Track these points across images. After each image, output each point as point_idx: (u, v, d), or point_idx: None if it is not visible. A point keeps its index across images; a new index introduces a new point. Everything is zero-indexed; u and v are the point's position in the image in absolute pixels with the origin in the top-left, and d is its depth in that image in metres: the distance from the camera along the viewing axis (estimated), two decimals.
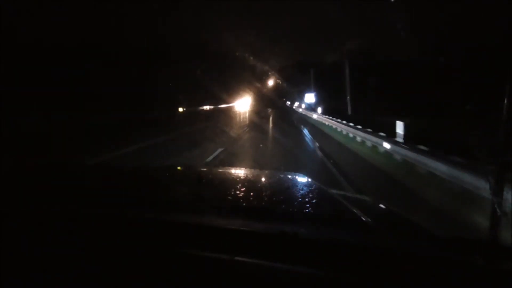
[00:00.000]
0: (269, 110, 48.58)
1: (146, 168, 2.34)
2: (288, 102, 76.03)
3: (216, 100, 41.21)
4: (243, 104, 49.71)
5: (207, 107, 40.31)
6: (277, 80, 52.85)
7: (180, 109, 30.50)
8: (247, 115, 34.19)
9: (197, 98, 34.56)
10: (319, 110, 25.68)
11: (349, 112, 24.32)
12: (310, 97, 39.64)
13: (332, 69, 32.99)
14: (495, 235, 2.65)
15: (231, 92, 43.48)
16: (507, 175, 2.52)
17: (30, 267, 0.86)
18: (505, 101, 2.64)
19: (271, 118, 29.41)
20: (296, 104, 61.13)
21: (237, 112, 39.97)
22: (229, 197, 1.49)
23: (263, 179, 2.24)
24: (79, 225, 1.01)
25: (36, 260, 0.88)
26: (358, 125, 13.04)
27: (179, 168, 2.52)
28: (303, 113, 38.82)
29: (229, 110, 42.27)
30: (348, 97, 25.95)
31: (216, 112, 36.79)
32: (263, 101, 55.49)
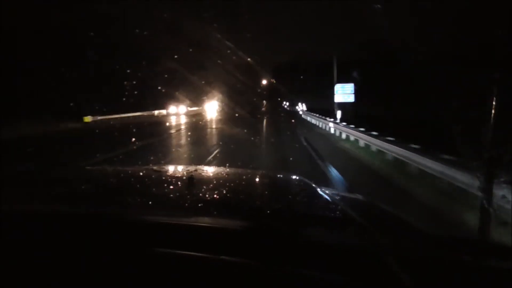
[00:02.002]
0: (263, 109, 35.84)
1: (135, 169, 2.32)
2: (287, 103, 58.77)
3: (177, 103, 31.00)
4: (210, 109, 35.66)
5: (163, 112, 29.07)
6: (271, 80, 46.86)
7: (88, 119, 20.02)
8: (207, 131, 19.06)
9: (146, 99, 23.13)
10: None
11: None
12: (345, 92, 20.13)
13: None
14: (484, 232, 2.67)
15: (198, 92, 32.08)
16: (495, 172, 2.54)
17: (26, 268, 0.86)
18: (493, 100, 2.65)
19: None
20: (301, 107, 43.10)
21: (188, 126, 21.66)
22: (217, 196, 1.48)
23: (254, 179, 2.22)
24: (60, 226, 1.02)
25: (29, 261, 0.88)
26: None
27: (168, 169, 2.51)
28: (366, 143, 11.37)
29: (175, 120, 26.36)
30: None
31: (155, 125, 20.33)
32: (248, 104, 34.49)
